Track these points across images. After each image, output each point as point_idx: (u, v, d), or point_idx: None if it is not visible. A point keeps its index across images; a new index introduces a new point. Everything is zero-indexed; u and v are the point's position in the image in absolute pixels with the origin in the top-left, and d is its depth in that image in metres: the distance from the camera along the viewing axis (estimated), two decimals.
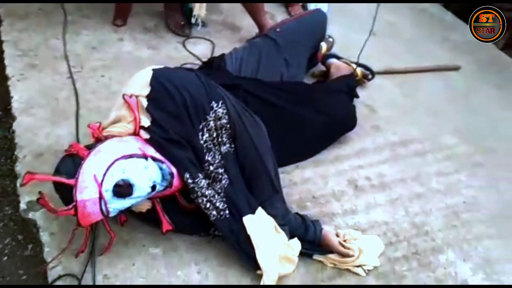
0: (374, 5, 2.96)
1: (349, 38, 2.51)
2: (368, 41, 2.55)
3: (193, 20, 2.18)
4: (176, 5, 2.24)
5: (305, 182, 1.64)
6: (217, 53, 2.15)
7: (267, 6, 2.51)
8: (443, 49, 2.71)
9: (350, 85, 1.98)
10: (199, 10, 2.15)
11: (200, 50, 2.19)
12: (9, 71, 1.81)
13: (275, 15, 2.58)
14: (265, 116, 1.54)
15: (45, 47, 1.96)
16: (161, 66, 1.32)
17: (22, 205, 1.37)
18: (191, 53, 2.15)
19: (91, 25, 2.16)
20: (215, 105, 1.28)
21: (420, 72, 2.40)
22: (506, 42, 3.16)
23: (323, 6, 2.57)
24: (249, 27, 2.37)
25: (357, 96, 2.00)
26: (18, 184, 1.42)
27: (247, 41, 1.82)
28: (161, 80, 1.24)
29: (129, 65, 1.97)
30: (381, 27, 2.69)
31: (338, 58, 2.15)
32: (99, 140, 1.21)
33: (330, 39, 2.21)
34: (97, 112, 1.70)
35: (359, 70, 2.12)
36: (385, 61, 2.38)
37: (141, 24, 2.26)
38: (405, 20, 2.87)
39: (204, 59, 2.07)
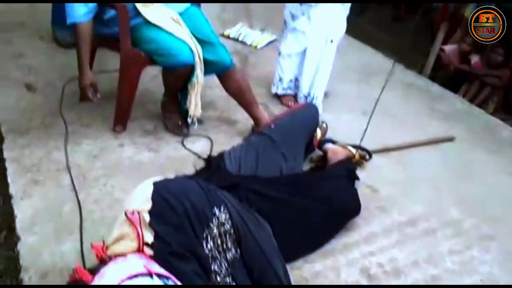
0: (361, 84, 3.12)
1: (340, 120, 2.60)
2: (361, 121, 2.64)
3: (189, 120, 2.25)
4: (174, 107, 2.33)
5: (317, 276, 1.60)
6: (215, 148, 2.21)
7: (260, 98, 2.62)
8: (434, 120, 2.78)
9: (348, 168, 2.00)
10: (195, 110, 2.23)
11: (199, 147, 2.24)
12: (12, 189, 1.83)
13: (268, 106, 2.68)
14: (268, 211, 1.56)
15: (47, 161, 2.00)
16: (161, 178, 1.34)
17: None
18: (190, 151, 2.19)
19: (92, 133, 2.23)
20: (217, 211, 1.28)
21: (416, 146, 2.44)
22: (496, 106, 3.26)
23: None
24: (244, 120, 2.45)
25: (358, 179, 2.01)
26: None
27: (244, 140, 1.87)
28: (161, 193, 1.25)
29: (130, 170, 2.01)
30: (371, 105, 2.79)
31: (334, 142, 2.20)
32: (103, 260, 1.20)
33: (324, 125, 2.27)
34: (101, 223, 1.70)
35: (356, 152, 2.16)
36: (380, 140, 2.43)
37: (141, 127, 2.33)
38: (393, 96, 2.97)
39: (204, 156, 2.12)
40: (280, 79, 2.66)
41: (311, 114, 1.97)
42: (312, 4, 2.35)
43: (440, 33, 3.34)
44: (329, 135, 2.30)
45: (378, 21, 4.94)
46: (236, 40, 3.55)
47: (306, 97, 2.61)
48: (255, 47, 3.48)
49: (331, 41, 2.48)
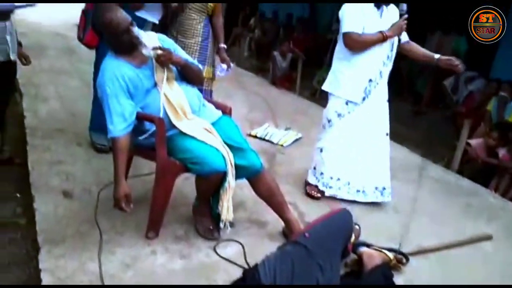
0: (390, 181, 3.12)
1: (372, 220, 2.56)
2: (394, 220, 2.62)
3: (221, 225, 2.27)
4: (205, 211, 2.35)
5: None
6: (248, 252, 2.19)
7: (288, 195, 2.62)
8: (468, 217, 2.72)
9: (386, 275, 1.94)
10: (227, 214, 2.25)
11: (230, 252, 2.21)
12: None
13: (297, 204, 2.68)
14: None
15: (81, 272, 2.00)
16: None
17: None
18: (222, 257, 2.17)
19: (125, 241, 2.23)
20: None
21: (453, 247, 2.36)
22: None
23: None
24: (274, 221, 2.44)
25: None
26: None
27: (278, 249, 1.85)
28: None
29: (162, 279, 1.99)
30: (402, 204, 2.77)
31: (368, 245, 2.15)
32: None
33: (357, 227, 2.24)
34: None
35: (392, 255, 2.10)
36: (414, 240, 2.37)
37: (173, 232, 2.34)
38: (423, 193, 2.95)
39: (235, 261, 2.11)
40: (321, 174, 2.72)
41: (346, 219, 1.95)
42: (358, 103, 2.53)
43: (465, 128, 3.38)
44: (362, 236, 2.27)
45: (399, 115, 5.05)
46: (263, 139, 3.66)
47: (377, 190, 2.68)
48: (282, 145, 3.57)
49: (386, 134, 2.64)
